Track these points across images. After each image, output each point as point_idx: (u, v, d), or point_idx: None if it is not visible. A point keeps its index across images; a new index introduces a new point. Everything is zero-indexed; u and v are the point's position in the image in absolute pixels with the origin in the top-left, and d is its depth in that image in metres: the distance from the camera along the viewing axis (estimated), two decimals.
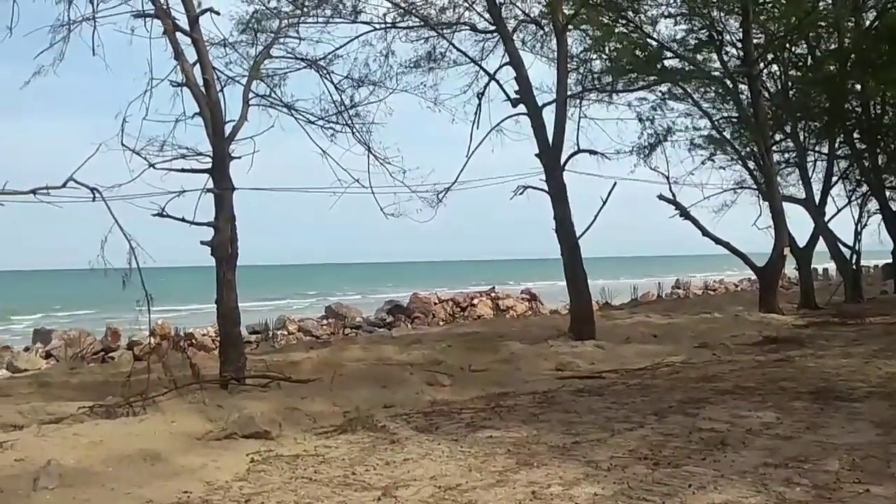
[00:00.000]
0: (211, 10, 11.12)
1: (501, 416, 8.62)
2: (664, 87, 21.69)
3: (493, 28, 17.00)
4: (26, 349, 20.56)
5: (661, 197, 22.08)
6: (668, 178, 22.35)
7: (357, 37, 15.74)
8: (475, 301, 30.32)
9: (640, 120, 21.34)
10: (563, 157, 16.55)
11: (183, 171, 10.78)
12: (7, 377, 15.85)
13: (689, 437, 7.19)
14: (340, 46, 14.86)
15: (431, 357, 13.27)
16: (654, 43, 20.50)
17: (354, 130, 13.68)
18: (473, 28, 17.42)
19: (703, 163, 24.31)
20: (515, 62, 16.46)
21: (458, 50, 17.54)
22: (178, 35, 10.69)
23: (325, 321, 26.78)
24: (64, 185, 8.74)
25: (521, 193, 16.71)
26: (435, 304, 29.40)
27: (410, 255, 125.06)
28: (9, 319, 45.70)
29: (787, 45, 23.32)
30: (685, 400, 9.08)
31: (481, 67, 17.66)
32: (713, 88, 22.77)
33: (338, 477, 6.23)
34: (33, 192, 8.70)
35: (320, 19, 14.58)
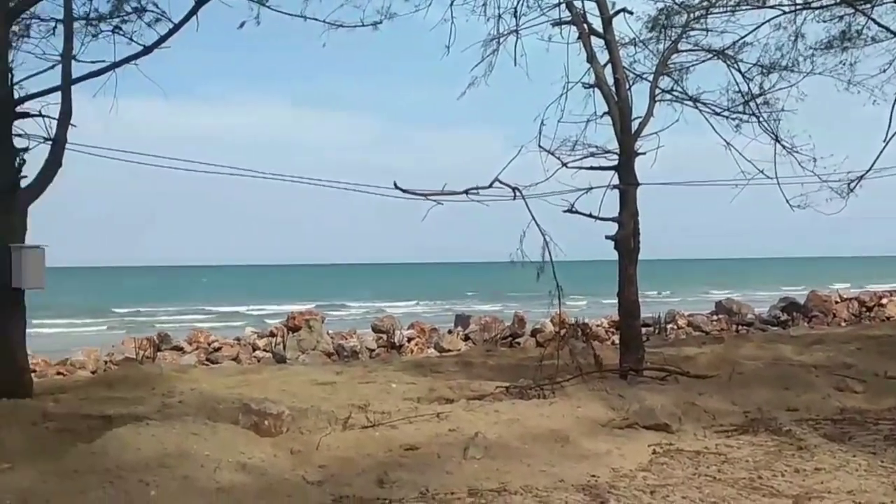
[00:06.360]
0: (624, 10, 11.59)
1: None
2: None
3: None
4: (449, 332, 23.22)
5: None
6: None
7: (765, 22, 14.96)
8: (884, 300, 26.96)
9: None
10: None
11: (592, 168, 11.42)
12: (437, 356, 18.16)
13: None
14: (748, 34, 14.27)
15: (837, 360, 12.26)
16: None
17: (761, 119, 13.15)
18: None
19: None
20: None
21: (880, 25, 15.73)
22: (592, 38, 11.33)
23: (714, 317, 26.00)
24: (490, 186, 9.93)
25: None
26: (836, 302, 26.86)
27: (808, 250, 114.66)
28: (432, 304, 52.43)
29: None
30: None
31: None
32: None
33: (743, 479, 6.20)
34: (466, 192, 10.03)
35: (727, 8, 14.16)
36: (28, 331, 9.56)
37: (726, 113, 13.11)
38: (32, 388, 9.27)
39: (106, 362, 18.39)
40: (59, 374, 16.59)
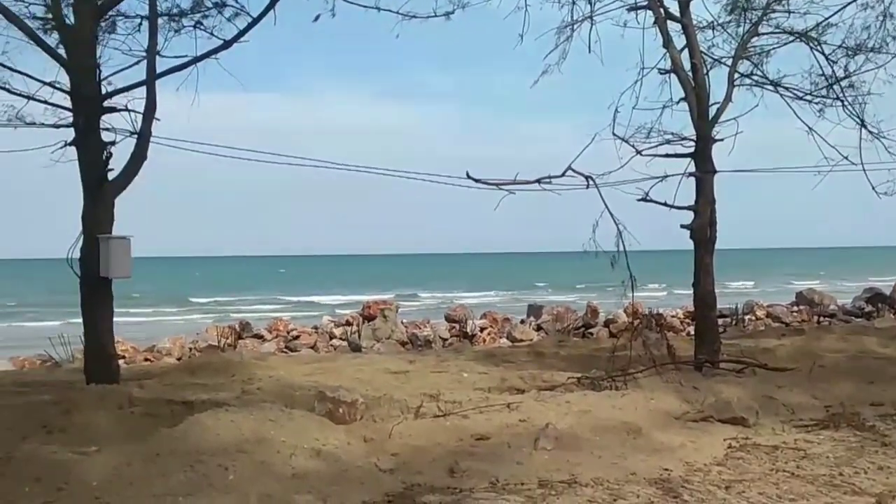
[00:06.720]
0: None
1: None
2: None
3: None
4: (522, 321, 23.15)
5: None
6: None
7: (851, 2, 14.36)
8: None
9: None
10: None
11: (667, 156, 11.26)
12: (508, 346, 18.14)
13: None
14: (832, 14, 13.74)
15: None
16: None
17: (846, 103, 12.66)
18: None
19: None
20: None
21: None
22: (668, 22, 11.13)
23: (795, 308, 25.15)
24: (563, 175, 9.88)
25: None
26: None
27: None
28: (504, 294, 52.42)
29: None
30: None
31: None
32: None
33: (823, 476, 6.02)
34: (538, 181, 9.99)
35: None
36: (118, 319, 9.92)
37: (809, 97, 12.67)
38: (119, 374, 9.64)
39: (190, 349, 18.98)
40: (146, 360, 17.22)
